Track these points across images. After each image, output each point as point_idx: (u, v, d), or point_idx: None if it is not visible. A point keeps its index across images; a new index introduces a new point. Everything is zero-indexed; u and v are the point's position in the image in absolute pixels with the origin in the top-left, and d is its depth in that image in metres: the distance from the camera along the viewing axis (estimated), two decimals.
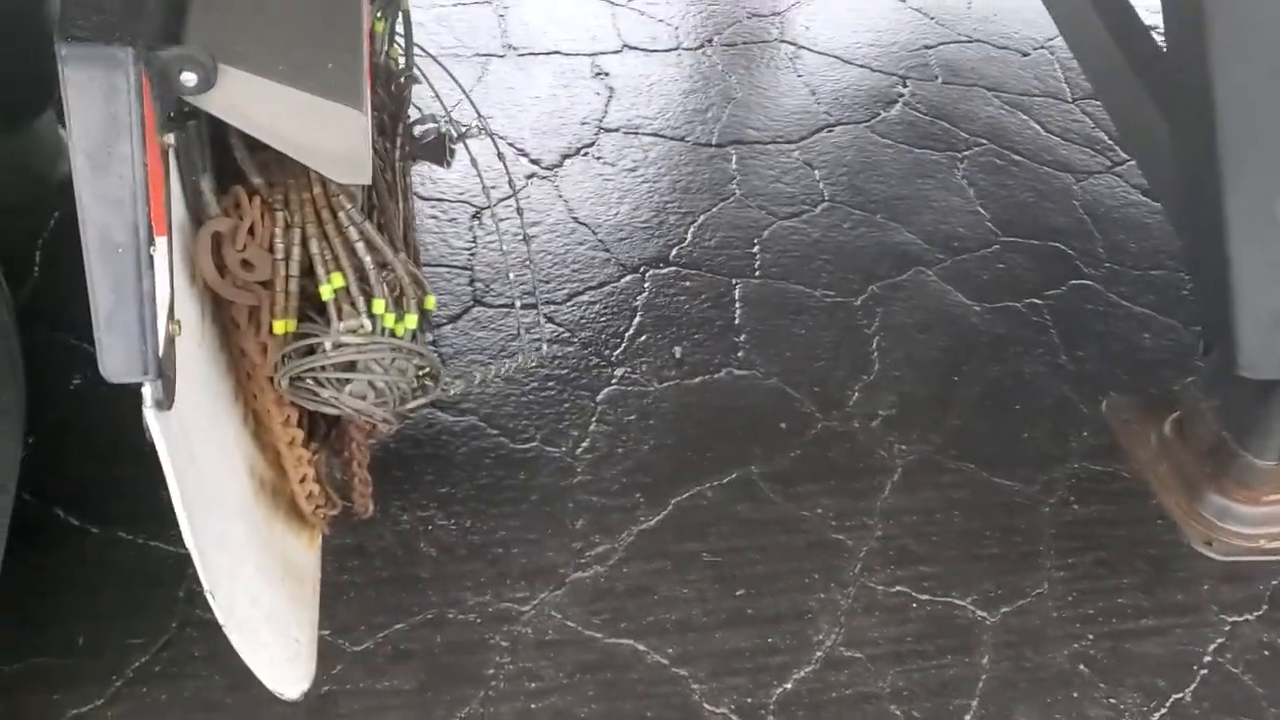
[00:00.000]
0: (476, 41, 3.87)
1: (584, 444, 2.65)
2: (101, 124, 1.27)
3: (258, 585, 1.84)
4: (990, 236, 3.33)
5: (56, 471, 2.42)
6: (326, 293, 1.59)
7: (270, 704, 2.07)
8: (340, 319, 1.60)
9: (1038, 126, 3.77)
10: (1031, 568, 2.51)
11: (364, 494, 2.13)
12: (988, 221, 3.38)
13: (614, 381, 2.79)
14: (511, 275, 2.84)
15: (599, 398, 2.75)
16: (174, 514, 2.05)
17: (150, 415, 1.38)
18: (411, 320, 1.65)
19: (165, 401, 1.38)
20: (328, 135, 1.45)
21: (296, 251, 1.59)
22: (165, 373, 1.38)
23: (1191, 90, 1.54)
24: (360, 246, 1.61)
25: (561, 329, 2.90)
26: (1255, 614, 2.46)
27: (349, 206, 1.60)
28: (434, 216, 3.17)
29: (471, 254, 3.08)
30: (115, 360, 1.34)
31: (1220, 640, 2.40)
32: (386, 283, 1.64)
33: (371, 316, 1.61)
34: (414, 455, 2.57)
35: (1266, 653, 2.40)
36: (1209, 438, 2.05)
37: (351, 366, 1.64)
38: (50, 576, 2.28)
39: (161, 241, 1.37)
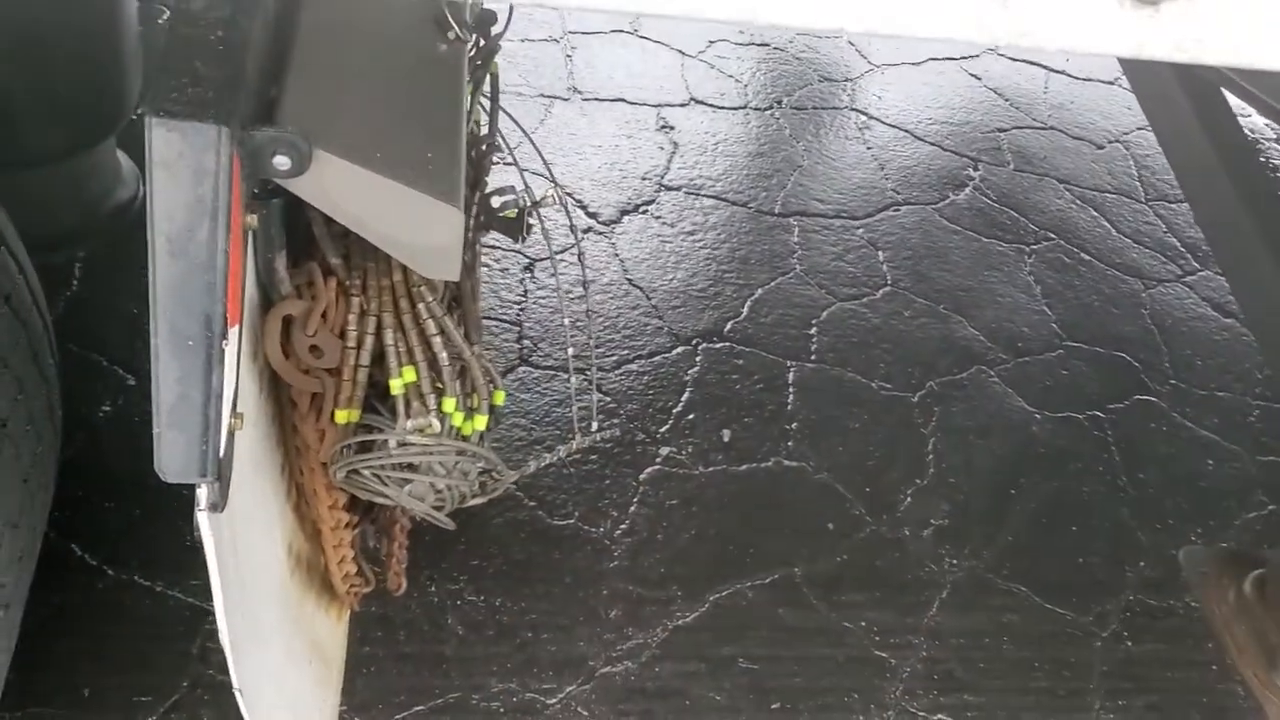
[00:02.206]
0: (541, 81, 3.78)
1: (623, 525, 2.54)
2: (186, 207, 1.17)
3: (284, 670, 1.74)
4: (1054, 339, 3.22)
5: (76, 504, 2.32)
6: (396, 387, 1.49)
7: None
8: (408, 416, 1.49)
9: (1108, 225, 3.67)
10: (1080, 706, 2.39)
11: (399, 572, 2.03)
12: (1053, 323, 3.27)
13: (658, 461, 2.69)
14: (570, 353, 2.73)
15: (642, 477, 2.65)
16: (194, 562, 1.96)
17: (203, 518, 1.27)
18: (481, 421, 1.55)
19: (220, 504, 1.28)
20: (421, 230, 1.35)
21: (369, 340, 1.49)
22: (223, 473, 1.28)
23: None
24: (437, 341, 1.50)
25: (608, 399, 2.80)
26: None
27: (430, 299, 1.50)
28: (485, 266, 3.07)
29: (521, 309, 2.98)
30: (174, 459, 1.24)
31: None
32: (458, 379, 1.54)
33: (441, 416, 1.51)
34: None
35: None
36: None
37: (413, 466, 1.54)
38: (60, 616, 2.17)
39: (234, 332, 1.27)
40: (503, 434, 2.66)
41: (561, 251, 3.08)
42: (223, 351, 1.24)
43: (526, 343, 2.89)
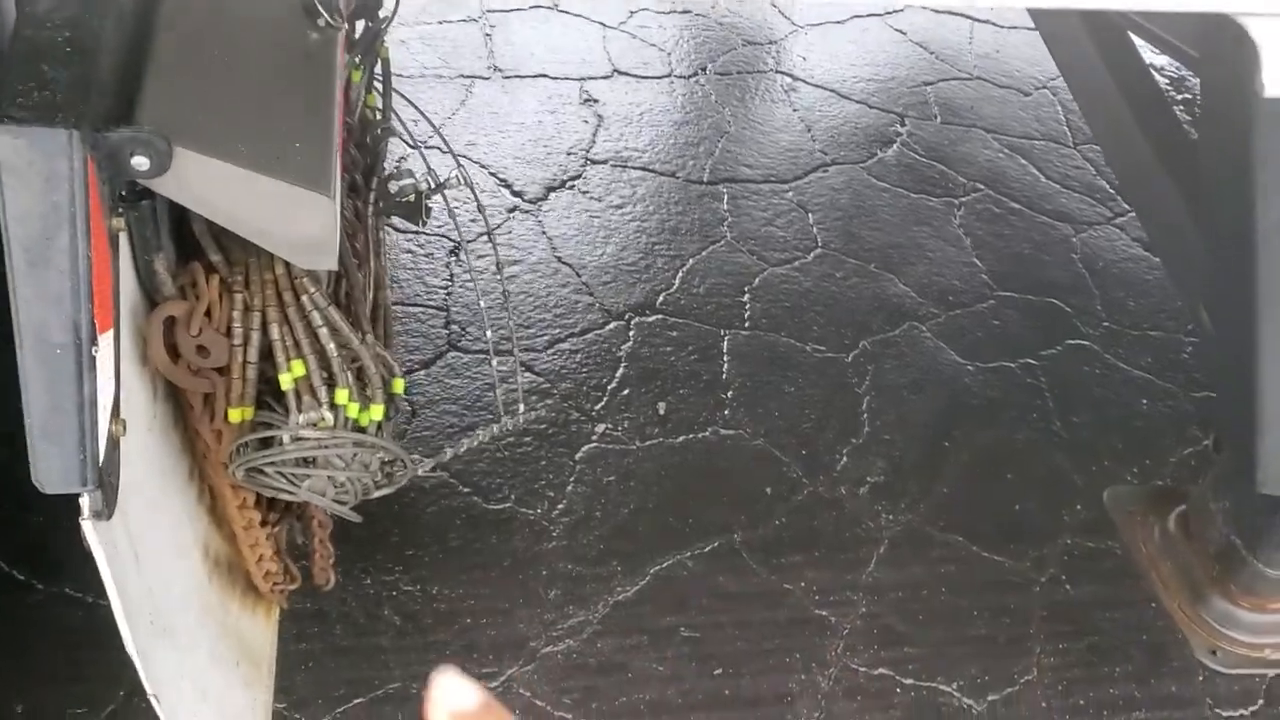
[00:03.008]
0: (461, 62, 3.74)
1: (560, 505, 2.54)
2: (40, 214, 1.15)
3: (209, 675, 1.72)
4: (985, 290, 3.23)
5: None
6: (286, 382, 1.47)
7: None
8: (300, 410, 1.48)
9: (1037, 172, 3.68)
10: (1021, 652, 2.41)
11: (325, 566, 2.02)
12: (983, 274, 3.28)
13: (594, 438, 2.68)
14: (489, 333, 2.71)
15: (578, 455, 2.64)
16: None
17: (88, 527, 1.26)
18: (377, 411, 1.54)
19: (105, 512, 1.26)
20: (293, 222, 1.33)
21: (256, 336, 1.48)
22: (106, 480, 1.26)
23: (1229, 210, 1.45)
24: (324, 332, 1.49)
25: (541, 379, 2.79)
26: (1250, 709, 2.37)
27: (313, 290, 1.48)
28: (409, 251, 3.05)
29: (448, 293, 2.96)
30: (51, 470, 1.22)
31: None
32: (351, 370, 1.53)
33: (334, 408, 1.50)
34: (379, 513, 2.41)
35: None
36: (1217, 540, 1.96)
37: (310, 461, 1.53)
38: None
39: (106, 338, 1.25)
40: (433, 420, 2.64)
41: (485, 233, 3.06)
42: (94, 358, 1.22)
43: (455, 327, 2.87)
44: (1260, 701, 2.38)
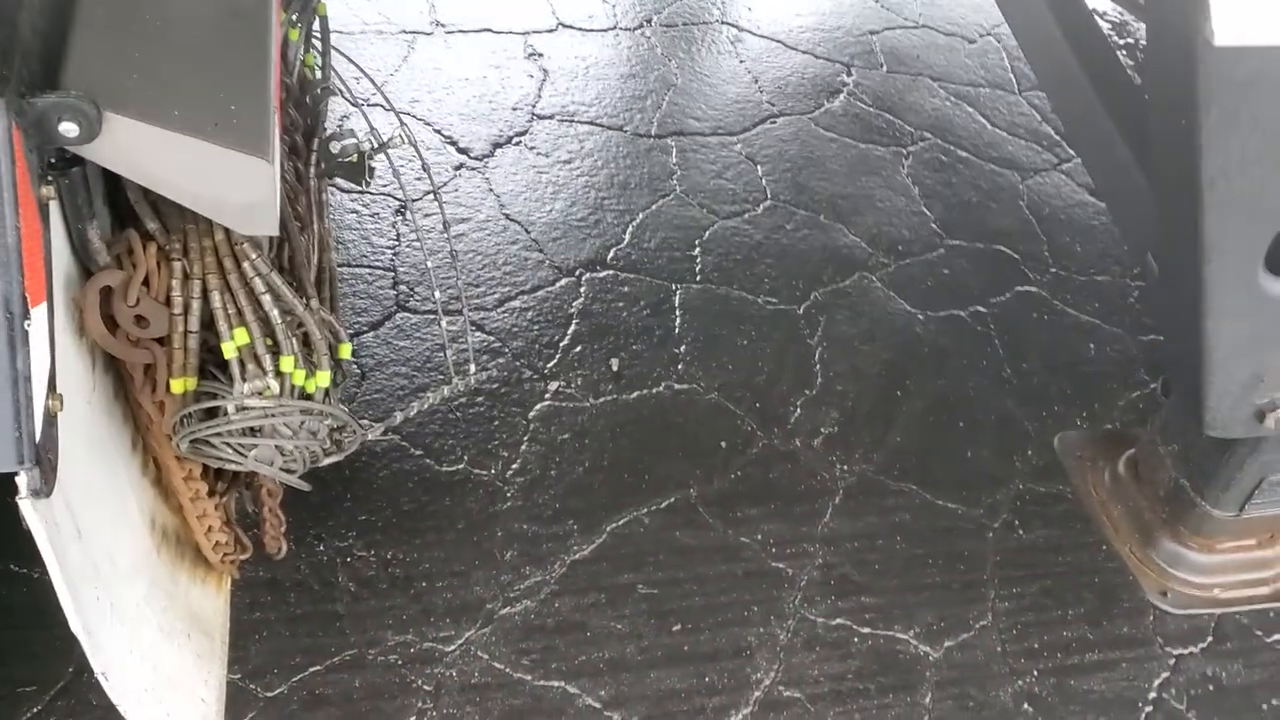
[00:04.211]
0: (403, 17, 3.67)
1: (514, 465, 2.52)
2: None
3: (159, 649, 1.69)
4: (935, 239, 3.23)
5: None
6: (229, 351, 1.44)
7: None
8: (244, 379, 1.44)
9: (984, 120, 3.68)
10: (975, 598, 2.44)
11: (276, 535, 1.99)
12: (932, 223, 3.28)
13: (547, 396, 2.66)
14: (437, 293, 2.68)
15: (531, 414, 2.62)
16: None
17: (26, 505, 1.22)
18: (324, 377, 1.51)
19: (44, 490, 1.23)
20: (230, 186, 1.29)
21: (196, 305, 1.44)
22: (44, 457, 1.23)
23: (1175, 156, 1.45)
24: (266, 299, 1.45)
25: (492, 338, 2.76)
26: (1199, 646, 2.41)
27: (254, 256, 1.44)
28: (354, 211, 2.99)
29: (395, 253, 2.92)
30: None
31: (1165, 675, 2.36)
32: (296, 336, 1.49)
33: (279, 375, 1.46)
34: (331, 478, 2.40)
35: (1211, 687, 2.36)
36: (1166, 483, 1.98)
37: (257, 430, 1.49)
38: None
39: (39, 311, 1.21)
40: (383, 383, 2.61)
41: (430, 191, 3.01)
42: (26, 333, 1.18)
43: (402, 288, 2.83)
44: (1209, 639, 2.43)
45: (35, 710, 2.01)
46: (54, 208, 1.30)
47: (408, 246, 2.94)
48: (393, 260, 2.90)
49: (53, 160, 1.28)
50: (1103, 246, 3.29)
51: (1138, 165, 1.98)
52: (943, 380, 2.86)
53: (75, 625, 1.37)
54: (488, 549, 2.37)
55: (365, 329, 2.73)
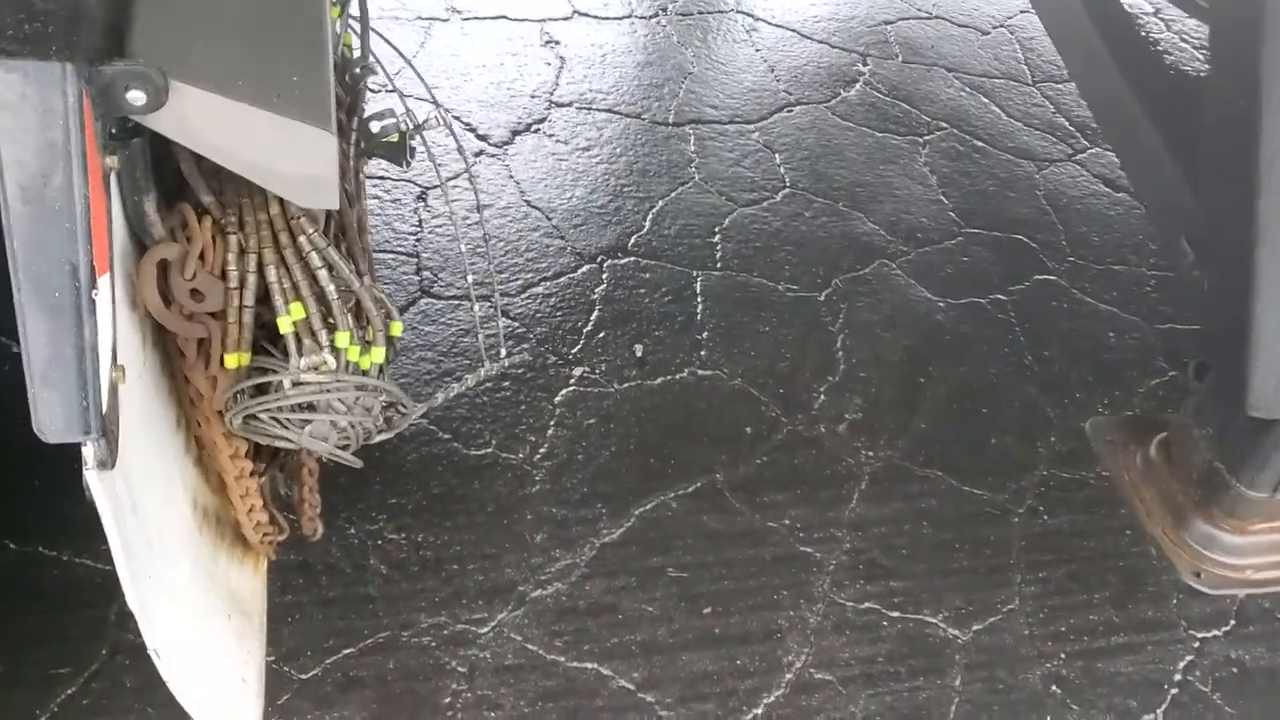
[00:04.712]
0: (419, 4, 3.66)
1: (542, 449, 2.52)
2: (37, 152, 1.11)
3: (202, 627, 1.69)
4: (953, 228, 3.24)
5: None
6: (285, 325, 1.44)
7: None
8: (300, 354, 1.44)
9: (998, 110, 3.68)
10: (1002, 582, 2.44)
11: (313, 516, 1.98)
12: (950, 211, 3.29)
13: (572, 382, 2.66)
14: (469, 278, 2.67)
15: (557, 399, 2.62)
16: (95, 527, 1.89)
17: (93, 477, 1.22)
18: (378, 354, 1.50)
19: (109, 461, 1.23)
20: (292, 158, 1.29)
21: (252, 279, 1.43)
22: (109, 428, 1.22)
23: (1231, 138, 1.45)
24: (323, 274, 1.45)
25: (516, 324, 2.76)
26: (1223, 629, 2.43)
27: (311, 230, 1.44)
28: (376, 197, 2.99)
29: (418, 239, 2.91)
30: (53, 419, 1.18)
31: (1190, 658, 2.37)
32: (350, 312, 1.49)
33: (335, 351, 1.46)
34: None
35: (1234, 670, 2.37)
36: (1200, 465, 1.99)
37: (312, 406, 1.49)
38: None
39: (104, 281, 1.21)
40: (409, 368, 2.61)
41: (453, 178, 3.01)
42: (93, 302, 1.18)
43: (426, 274, 2.83)
44: (1232, 622, 2.44)
45: (70, 693, 2.01)
46: (113, 180, 1.30)
47: (430, 232, 2.94)
48: (416, 246, 2.90)
49: (113, 131, 1.27)
50: (1119, 236, 3.30)
51: (1168, 151, 1.98)
52: (965, 367, 2.87)
53: (132, 601, 1.36)
54: (518, 532, 2.37)
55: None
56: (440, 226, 2.95)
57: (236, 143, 1.27)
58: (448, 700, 2.10)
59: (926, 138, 3.52)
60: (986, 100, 3.71)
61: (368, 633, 2.17)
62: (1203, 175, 1.68)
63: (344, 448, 1.58)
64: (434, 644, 2.17)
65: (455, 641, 2.18)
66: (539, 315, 2.79)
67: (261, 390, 1.49)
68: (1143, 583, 2.48)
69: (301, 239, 1.44)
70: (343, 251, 1.50)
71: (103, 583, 2.12)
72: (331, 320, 1.46)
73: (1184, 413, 2.05)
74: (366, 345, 1.50)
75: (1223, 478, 1.96)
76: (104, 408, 1.21)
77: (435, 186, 3.01)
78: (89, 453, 1.21)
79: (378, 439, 1.62)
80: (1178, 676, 2.34)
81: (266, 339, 1.51)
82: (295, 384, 1.45)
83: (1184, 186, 1.90)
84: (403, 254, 2.87)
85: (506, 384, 2.63)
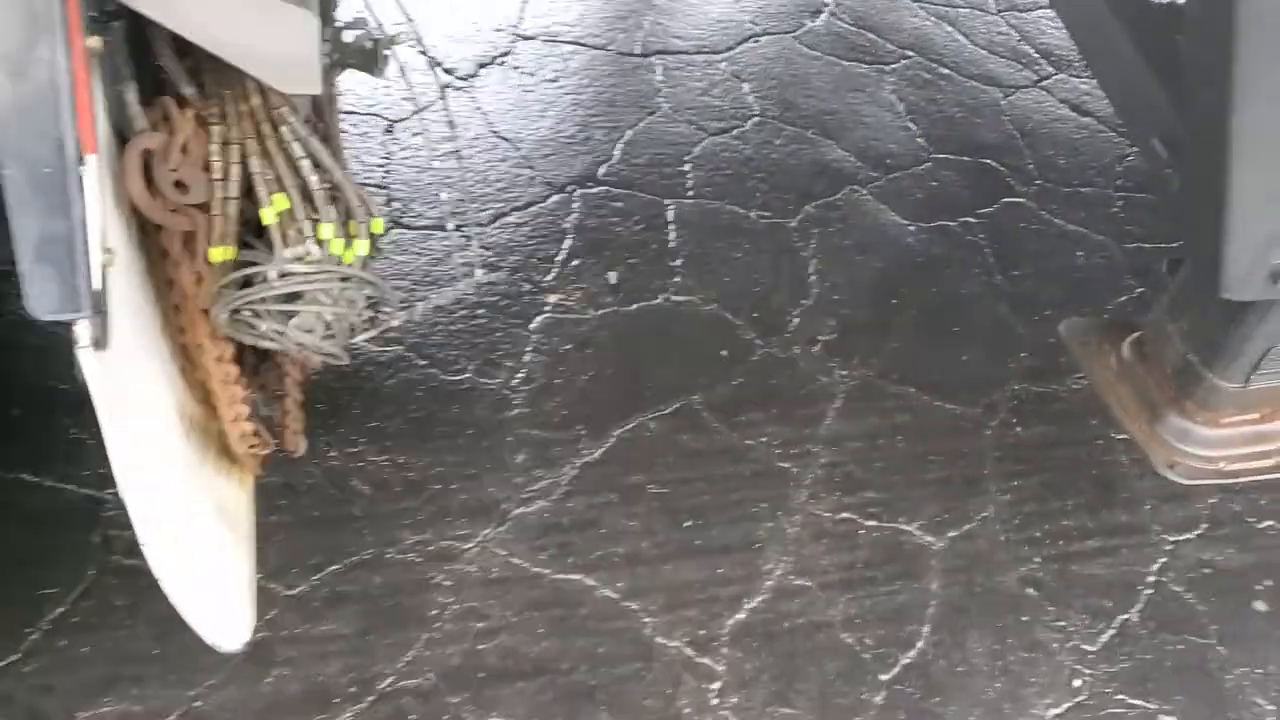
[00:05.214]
0: None
1: (520, 375, 2.53)
2: (20, 24, 1.10)
3: (191, 533, 1.69)
4: (921, 154, 3.26)
5: None
6: (269, 217, 1.44)
7: (202, 653, 1.92)
8: (285, 245, 1.44)
9: (964, 38, 3.70)
10: (977, 491, 2.48)
11: (296, 431, 1.98)
12: (918, 138, 3.31)
13: (547, 309, 2.67)
14: (444, 195, 2.67)
15: (532, 326, 2.63)
16: (85, 454, 1.89)
17: (85, 356, 1.22)
18: (361, 246, 1.51)
19: (103, 339, 1.23)
20: (273, 39, 1.29)
21: (235, 171, 1.43)
22: (101, 308, 1.22)
23: (1205, 34, 1.48)
24: (305, 165, 1.45)
25: (489, 253, 2.76)
26: (1195, 533, 2.48)
27: (293, 120, 1.44)
28: (343, 131, 2.96)
29: (386, 171, 2.90)
30: (46, 296, 1.18)
31: (1163, 560, 2.42)
32: (333, 205, 1.49)
33: (319, 243, 1.46)
34: (339, 388, 2.42)
35: (1207, 571, 2.42)
36: (1173, 360, 2.02)
37: (297, 298, 1.49)
38: None
39: (92, 160, 1.20)
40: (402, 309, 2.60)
41: (422, 109, 2.99)
42: (81, 179, 1.18)
43: (396, 205, 2.82)
44: (1204, 525, 2.50)
45: (60, 611, 2.01)
46: (95, 66, 1.29)
47: (399, 164, 2.92)
48: (385, 178, 2.89)
49: (94, 14, 1.26)
50: (1085, 159, 3.34)
51: (1140, 52, 2.00)
52: (936, 288, 2.90)
53: (122, 487, 1.37)
54: (498, 453, 2.38)
55: None
56: (408, 159, 2.94)
57: (218, 24, 1.27)
58: (435, 612, 2.12)
59: (893, 66, 3.54)
60: (951, 29, 3.73)
61: (353, 550, 2.18)
62: (1178, 69, 1.70)
63: (331, 339, 1.58)
64: (419, 560, 2.18)
65: (440, 557, 2.20)
66: (511, 244, 2.80)
67: (247, 284, 1.49)
68: (1116, 489, 2.53)
69: (284, 129, 1.44)
70: (325, 144, 1.50)
71: (88, 507, 2.12)
72: (315, 213, 1.46)
73: (1158, 309, 2.09)
74: (349, 238, 1.50)
75: (1196, 370, 1.99)
76: (95, 286, 1.21)
77: (403, 119, 2.99)
78: (82, 331, 1.21)
79: (361, 337, 1.63)
80: (1151, 578, 2.40)
81: (250, 235, 1.51)
82: (281, 275, 1.45)
83: (1157, 87, 1.92)
84: (372, 185, 2.85)
85: (481, 312, 2.63)
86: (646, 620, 2.17)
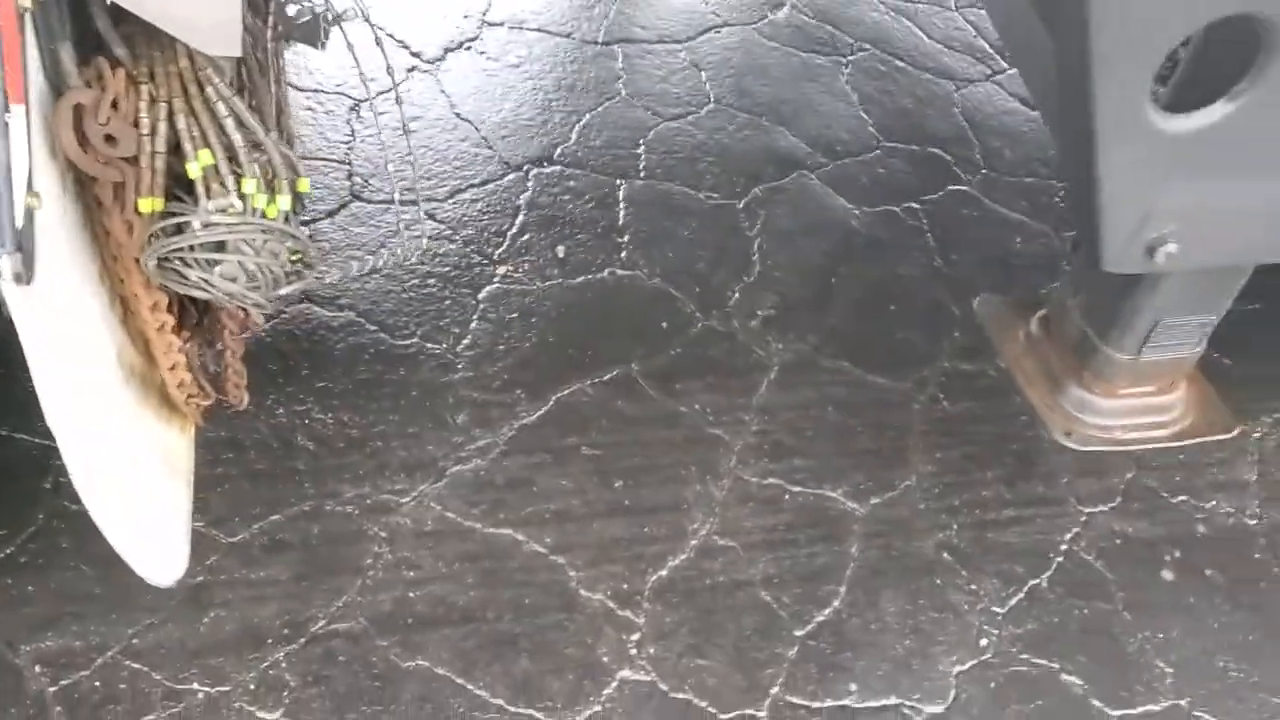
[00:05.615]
0: None
1: (465, 341, 2.64)
2: None
3: (127, 473, 1.80)
4: (872, 142, 3.36)
5: None
6: (194, 171, 1.54)
7: (143, 593, 2.06)
8: (209, 198, 1.55)
9: (921, 33, 3.80)
10: (901, 462, 2.59)
11: (238, 385, 2.09)
12: (870, 127, 3.41)
13: (496, 280, 2.77)
14: (390, 168, 2.78)
15: (481, 295, 2.73)
16: (35, 405, 1.99)
17: (8, 290, 1.33)
18: (284, 201, 1.61)
19: (25, 275, 1.33)
20: (197, 5, 1.39)
21: (163, 127, 1.54)
22: (24, 246, 1.33)
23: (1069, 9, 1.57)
24: (229, 123, 1.56)
25: (443, 226, 2.87)
26: (1110, 505, 2.58)
27: (217, 81, 1.55)
28: (310, 109, 3.08)
29: (349, 148, 3.01)
30: None
31: (1076, 530, 2.52)
32: (257, 163, 1.60)
33: (241, 196, 1.57)
34: (289, 349, 2.53)
35: (1119, 541, 2.52)
36: (1073, 333, 2.12)
37: (221, 247, 1.60)
38: None
39: (18, 109, 1.31)
40: (340, 266, 2.71)
41: (385, 92, 3.10)
42: (6, 124, 1.28)
43: (357, 179, 2.93)
44: (1119, 499, 2.59)
45: (7, 552, 2.12)
46: (29, 23, 1.40)
47: (362, 142, 3.03)
48: (348, 154, 3.00)
49: None
50: (1031, 150, 3.43)
51: (1049, 36, 2.11)
52: (876, 269, 3.00)
53: (50, 418, 1.47)
54: (440, 414, 2.49)
55: (321, 216, 2.83)
56: (371, 137, 3.04)
57: None
58: (369, 561, 2.22)
59: (850, 58, 3.64)
60: (910, 23, 3.83)
61: (294, 501, 2.29)
62: (1050, 30, 1.78)
63: (255, 288, 1.68)
64: (357, 512, 2.29)
65: (377, 510, 2.30)
66: (465, 219, 2.90)
67: (176, 234, 1.59)
68: (1036, 463, 2.62)
69: (209, 89, 1.55)
70: (251, 106, 1.61)
71: (39, 455, 2.23)
72: (238, 167, 1.57)
73: (1061, 286, 2.19)
74: (273, 193, 1.61)
75: (1092, 343, 2.10)
76: (19, 224, 1.31)
77: (368, 99, 3.10)
78: (5, 266, 1.32)
79: (288, 289, 1.73)
80: (1064, 546, 2.50)
81: (180, 189, 1.62)
82: (205, 225, 1.56)
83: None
84: (334, 161, 2.96)
85: (432, 281, 2.74)
86: (572, 574, 2.27)
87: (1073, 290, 2.10)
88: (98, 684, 2.00)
